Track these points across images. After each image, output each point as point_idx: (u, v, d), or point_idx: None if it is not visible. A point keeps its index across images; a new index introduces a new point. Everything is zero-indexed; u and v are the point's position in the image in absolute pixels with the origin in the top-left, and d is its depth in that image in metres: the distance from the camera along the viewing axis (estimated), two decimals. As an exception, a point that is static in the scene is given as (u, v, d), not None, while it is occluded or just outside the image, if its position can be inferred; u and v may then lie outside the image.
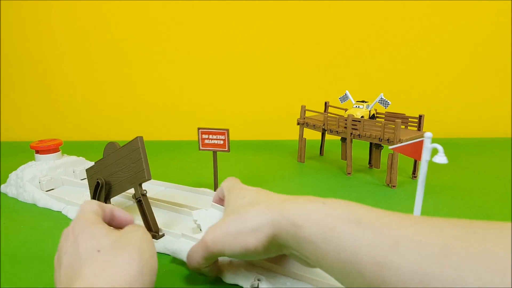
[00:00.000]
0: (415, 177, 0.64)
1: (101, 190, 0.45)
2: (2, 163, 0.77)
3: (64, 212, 0.52)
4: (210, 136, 0.53)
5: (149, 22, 0.96)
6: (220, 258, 0.36)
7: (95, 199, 0.46)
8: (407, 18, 0.92)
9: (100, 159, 0.47)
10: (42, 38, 0.98)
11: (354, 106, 0.66)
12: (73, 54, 0.99)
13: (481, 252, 0.19)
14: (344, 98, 0.68)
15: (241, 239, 0.29)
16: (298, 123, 0.75)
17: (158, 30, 0.96)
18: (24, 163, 0.61)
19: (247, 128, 1.00)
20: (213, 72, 0.99)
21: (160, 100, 1.02)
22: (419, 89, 0.97)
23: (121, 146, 0.44)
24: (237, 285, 0.35)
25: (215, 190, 0.56)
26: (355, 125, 0.63)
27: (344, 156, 0.70)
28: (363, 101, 0.66)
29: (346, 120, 0.64)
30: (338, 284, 0.31)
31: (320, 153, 0.81)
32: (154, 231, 0.41)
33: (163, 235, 0.42)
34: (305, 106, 0.74)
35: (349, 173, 0.67)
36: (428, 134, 0.29)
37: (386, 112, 0.65)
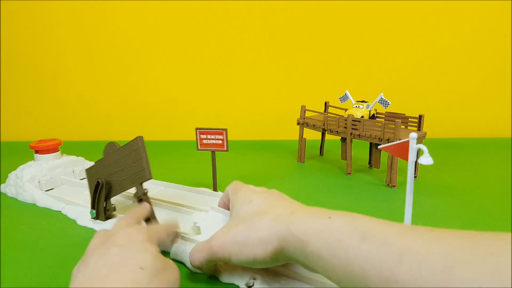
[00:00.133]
0: (415, 177, 0.64)
1: (101, 190, 0.45)
2: (1, 163, 0.77)
3: (63, 211, 0.52)
4: (208, 136, 0.53)
5: (149, 22, 0.96)
6: None
7: (95, 199, 0.46)
8: (407, 18, 0.92)
9: (100, 159, 0.47)
10: (42, 38, 0.98)
11: (354, 106, 0.66)
12: (73, 54, 0.99)
13: (485, 266, 0.19)
14: (344, 98, 0.68)
15: (248, 249, 0.29)
16: (298, 123, 0.74)
17: (157, 31, 0.96)
18: (23, 163, 0.61)
19: (247, 128, 1.00)
20: (213, 72, 0.99)
21: (160, 100, 1.01)
22: (419, 89, 0.97)
23: (121, 146, 0.44)
24: (233, 284, 0.35)
25: (214, 190, 0.56)
26: (355, 125, 0.63)
27: (344, 156, 0.70)
28: (363, 101, 0.65)
29: (346, 120, 0.64)
30: (335, 284, 0.31)
31: (320, 153, 0.81)
32: None
33: None
34: (305, 106, 0.74)
35: (349, 173, 0.67)
36: (413, 135, 0.29)
37: (386, 112, 0.65)
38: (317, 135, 0.80)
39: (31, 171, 0.58)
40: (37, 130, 1.05)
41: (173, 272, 0.30)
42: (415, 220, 0.47)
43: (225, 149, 0.52)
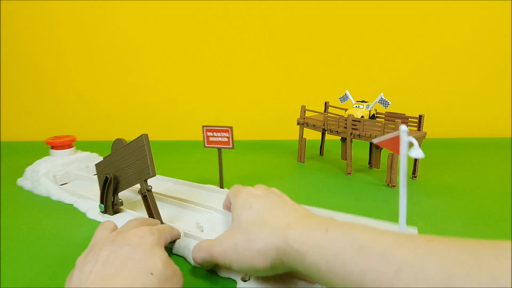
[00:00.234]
0: (415, 177, 0.64)
1: (109, 185, 0.46)
2: (17, 160, 0.80)
3: (75, 205, 0.54)
4: (215, 134, 0.54)
5: (149, 22, 0.96)
6: None
7: (103, 193, 0.47)
8: (407, 18, 0.92)
9: (108, 155, 0.48)
10: (42, 38, 0.98)
11: (354, 106, 0.66)
12: (73, 54, 0.99)
13: (482, 278, 0.19)
14: (344, 98, 0.68)
15: (248, 259, 0.30)
16: (298, 123, 0.75)
17: (157, 31, 0.96)
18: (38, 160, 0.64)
19: (247, 128, 1.00)
20: (213, 72, 0.99)
21: (160, 100, 1.02)
22: (419, 89, 0.97)
23: (127, 143, 0.46)
24: (230, 278, 0.36)
25: (220, 187, 0.57)
26: (355, 125, 0.63)
27: (344, 156, 0.70)
28: (363, 101, 0.65)
29: (346, 120, 0.64)
30: None
31: (320, 153, 0.81)
32: None
33: None
34: (305, 106, 0.74)
35: (349, 173, 0.67)
36: (403, 128, 0.29)
37: (386, 112, 0.65)
38: (317, 135, 0.80)
39: (47, 166, 0.61)
40: (38, 130, 1.05)
41: (179, 279, 0.31)
42: (415, 220, 0.47)
43: (230, 146, 0.54)
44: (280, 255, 0.28)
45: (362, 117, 0.63)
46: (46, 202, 0.56)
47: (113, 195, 0.47)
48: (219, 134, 0.54)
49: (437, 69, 0.95)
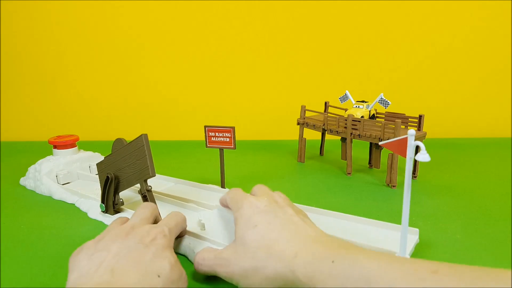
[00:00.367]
0: (415, 177, 0.64)
1: (110, 184, 0.47)
2: (20, 160, 0.80)
3: (77, 204, 0.54)
4: (217, 134, 0.54)
5: (149, 22, 0.96)
6: None
7: (104, 192, 0.47)
8: (407, 18, 0.92)
9: (109, 155, 0.48)
10: (42, 38, 0.98)
11: (354, 106, 0.66)
12: (73, 54, 0.99)
13: None
14: (344, 98, 0.68)
15: (256, 283, 0.31)
16: (298, 123, 0.75)
17: (157, 31, 0.96)
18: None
19: (247, 128, 1.00)
20: (213, 72, 0.99)
21: (159, 100, 1.02)
22: (419, 89, 0.97)
23: (128, 142, 0.46)
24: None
25: (222, 187, 0.57)
26: (355, 125, 0.63)
27: (344, 156, 0.70)
28: (363, 101, 0.66)
29: (346, 120, 0.64)
30: None
31: (320, 153, 0.81)
32: None
33: None
34: (305, 106, 0.74)
35: (349, 173, 0.67)
36: (411, 132, 0.30)
37: (386, 112, 0.65)
38: (317, 135, 0.80)
39: (49, 165, 0.61)
40: (38, 130, 1.05)
41: (184, 283, 0.31)
42: (415, 220, 0.47)
43: (232, 146, 0.54)
44: (288, 284, 0.29)
45: (362, 117, 0.63)
46: (48, 202, 0.56)
47: (114, 195, 0.47)
48: (221, 134, 0.54)
49: (437, 69, 0.95)
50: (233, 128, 0.53)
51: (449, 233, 0.44)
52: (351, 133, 0.64)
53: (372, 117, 0.66)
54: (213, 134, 0.54)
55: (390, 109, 0.64)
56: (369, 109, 0.65)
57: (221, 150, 0.56)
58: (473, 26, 0.92)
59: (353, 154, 0.66)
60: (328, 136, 0.77)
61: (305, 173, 0.69)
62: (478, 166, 0.71)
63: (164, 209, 0.47)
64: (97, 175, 0.52)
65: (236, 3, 0.93)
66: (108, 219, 0.48)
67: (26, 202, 0.56)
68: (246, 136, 0.96)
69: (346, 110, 0.68)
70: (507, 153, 0.79)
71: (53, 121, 1.05)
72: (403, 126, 0.62)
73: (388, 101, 0.62)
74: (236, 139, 0.54)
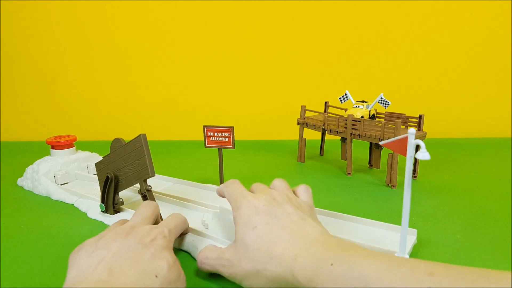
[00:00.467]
0: (415, 177, 0.64)
1: (110, 184, 0.47)
2: (17, 160, 0.80)
3: (76, 204, 0.54)
4: (216, 134, 0.54)
5: (149, 22, 0.96)
6: None
7: (104, 192, 0.47)
8: (407, 18, 0.92)
9: (108, 154, 0.48)
10: (42, 38, 0.98)
11: (354, 106, 0.66)
12: (73, 54, 0.99)
13: None
14: (344, 98, 0.68)
15: (258, 285, 0.31)
16: (298, 123, 0.75)
17: (157, 31, 0.96)
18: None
19: (247, 128, 1.00)
20: (213, 72, 0.99)
21: (159, 100, 1.02)
22: (419, 89, 0.97)
23: (126, 142, 0.46)
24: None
25: None
26: (355, 125, 0.63)
27: (344, 156, 0.70)
28: (363, 101, 0.65)
29: (346, 120, 0.64)
30: None
31: (320, 153, 0.81)
32: None
33: None
34: (305, 106, 0.74)
35: (349, 173, 0.67)
36: (411, 131, 0.30)
37: (386, 112, 0.65)
38: (317, 135, 0.80)
39: (47, 165, 0.61)
40: (38, 130, 1.05)
41: (182, 283, 0.32)
42: (415, 220, 0.47)
43: (231, 146, 0.54)
44: (289, 285, 0.29)
45: (362, 117, 0.63)
46: (46, 202, 0.56)
47: (114, 195, 0.47)
48: (220, 134, 0.54)
49: (437, 69, 0.95)
50: (232, 128, 0.53)
51: (449, 233, 0.44)
52: (351, 133, 0.64)
53: (372, 117, 0.66)
54: (212, 134, 0.54)
55: (390, 109, 0.64)
56: (369, 109, 0.65)
57: (220, 150, 0.56)
58: (473, 26, 0.92)
59: (353, 154, 0.66)
60: (328, 136, 0.77)
61: (305, 173, 0.69)
62: (478, 166, 0.71)
63: (163, 209, 0.47)
64: (95, 175, 0.52)
65: (236, 3, 0.93)
66: (107, 219, 0.48)
67: (25, 202, 0.56)
68: (246, 136, 0.96)
69: (346, 110, 0.68)
70: (507, 153, 0.79)
71: (52, 121, 1.05)
72: (403, 126, 0.62)
73: (388, 101, 0.62)
74: (236, 139, 0.54)
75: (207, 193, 0.56)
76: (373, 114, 0.66)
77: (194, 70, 0.99)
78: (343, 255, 0.28)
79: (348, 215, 0.45)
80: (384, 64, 0.96)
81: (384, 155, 0.70)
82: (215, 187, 0.57)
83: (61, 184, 0.60)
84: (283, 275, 0.29)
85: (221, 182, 0.57)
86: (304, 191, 0.40)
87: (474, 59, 0.94)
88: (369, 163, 0.71)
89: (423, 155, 0.29)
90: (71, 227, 0.47)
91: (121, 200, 0.48)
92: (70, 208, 0.54)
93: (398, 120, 0.57)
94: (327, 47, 0.95)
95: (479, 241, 0.42)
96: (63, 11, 0.95)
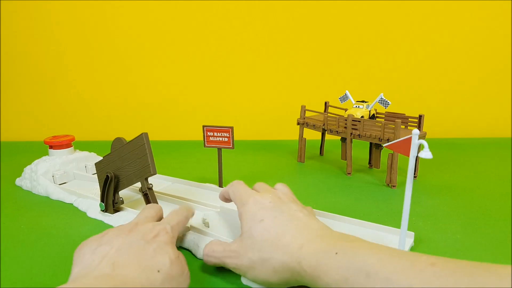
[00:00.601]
0: (415, 177, 0.64)
1: (110, 183, 0.47)
2: (16, 160, 0.79)
3: (75, 204, 0.54)
4: (215, 134, 0.54)
5: (149, 22, 0.96)
6: None
7: (104, 192, 0.47)
8: (407, 18, 0.92)
9: (108, 154, 0.48)
10: (42, 38, 0.98)
11: (354, 106, 0.66)
12: (73, 54, 0.99)
13: None
14: (344, 98, 0.68)
15: (263, 275, 0.32)
16: (298, 123, 0.75)
17: (157, 31, 0.96)
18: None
19: (247, 128, 1.00)
20: (213, 72, 0.99)
21: (159, 100, 1.02)
22: (419, 89, 0.97)
23: (127, 141, 0.46)
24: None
25: (220, 186, 0.57)
26: (355, 125, 0.63)
27: (344, 156, 0.70)
28: (363, 101, 0.65)
29: (346, 120, 0.64)
30: None
31: (320, 153, 0.81)
32: None
33: None
34: (305, 106, 0.74)
35: (349, 173, 0.67)
36: (415, 131, 0.31)
37: (386, 112, 0.65)
38: (317, 135, 0.80)
39: (46, 165, 0.61)
40: (38, 130, 1.05)
41: (186, 279, 0.32)
42: (415, 220, 0.47)
43: (231, 146, 0.54)
44: (294, 275, 0.30)
45: (362, 117, 0.63)
46: (46, 202, 0.56)
47: (114, 194, 0.47)
48: (219, 134, 0.54)
49: (437, 69, 0.95)
50: (232, 128, 0.53)
51: (449, 233, 0.44)
52: (351, 133, 0.64)
53: (372, 117, 0.66)
54: (211, 134, 0.54)
55: (390, 109, 0.64)
56: (369, 109, 0.65)
57: (219, 149, 0.56)
58: (473, 26, 0.92)
59: (353, 154, 0.66)
60: (328, 136, 0.77)
61: (305, 173, 0.69)
62: (478, 166, 0.71)
63: (164, 208, 0.47)
64: (94, 175, 0.52)
65: (236, 3, 0.93)
66: (107, 218, 0.48)
67: (24, 202, 0.56)
68: (245, 136, 0.96)
69: (346, 110, 0.68)
70: (507, 153, 0.79)
71: (51, 121, 1.04)
72: (403, 126, 0.62)
73: (388, 101, 0.62)
74: (236, 139, 0.54)
75: (207, 192, 0.56)
76: (373, 114, 0.66)
77: (194, 70, 0.99)
78: (348, 246, 0.29)
79: (345, 216, 0.45)
80: (384, 64, 0.96)
81: (384, 155, 0.70)
82: (215, 186, 0.57)
83: (59, 184, 0.61)
84: (289, 264, 0.30)
85: (220, 182, 0.57)
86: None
87: (474, 59, 0.94)
88: (369, 163, 0.71)
89: (426, 154, 0.30)
90: (71, 227, 0.47)
91: (121, 199, 0.48)
92: (70, 208, 0.54)
93: (398, 120, 0.57)
94: (327, 47, 0.95)
95: (479, 241, 0.42)
96: (63, 11, 0.95)
